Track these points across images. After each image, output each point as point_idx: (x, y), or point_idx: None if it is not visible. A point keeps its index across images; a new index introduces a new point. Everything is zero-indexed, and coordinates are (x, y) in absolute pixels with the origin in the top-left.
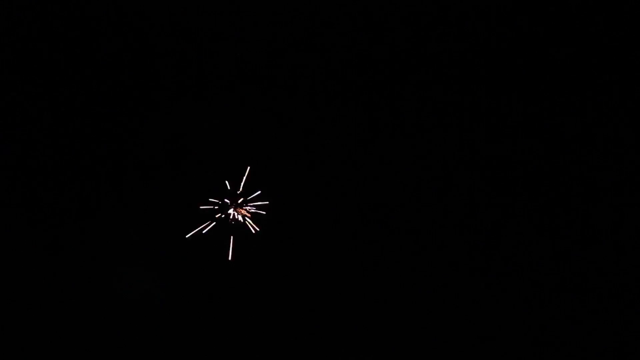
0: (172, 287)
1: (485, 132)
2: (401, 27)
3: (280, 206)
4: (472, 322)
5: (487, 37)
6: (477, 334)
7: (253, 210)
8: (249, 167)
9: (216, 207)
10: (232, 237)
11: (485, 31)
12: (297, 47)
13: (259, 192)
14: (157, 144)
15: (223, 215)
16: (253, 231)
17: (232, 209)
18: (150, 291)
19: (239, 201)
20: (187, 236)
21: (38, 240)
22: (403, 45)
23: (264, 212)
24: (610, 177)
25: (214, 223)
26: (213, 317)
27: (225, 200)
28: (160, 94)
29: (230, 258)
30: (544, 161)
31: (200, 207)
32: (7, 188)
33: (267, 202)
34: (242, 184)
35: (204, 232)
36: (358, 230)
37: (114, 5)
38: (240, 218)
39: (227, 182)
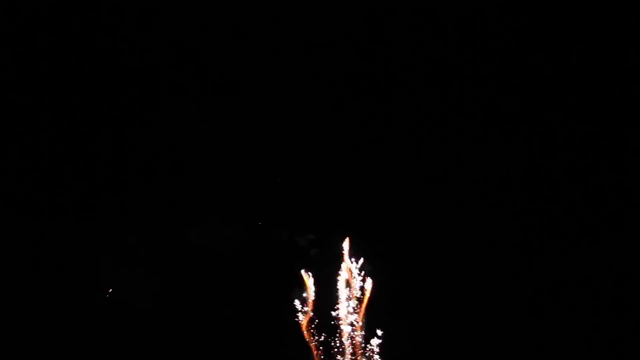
0: (169, 290)
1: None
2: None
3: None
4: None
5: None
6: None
7: None
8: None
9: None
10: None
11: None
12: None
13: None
14: (157, 146)
15: None
16: None
17: None
18: (146, 293)
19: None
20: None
21: (33, 241)
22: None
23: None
24: (611, 177)
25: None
26: (208, 320)
27: None
28: (161, 97)
29: None
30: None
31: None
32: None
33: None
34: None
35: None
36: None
37: (113, 8)
38: None
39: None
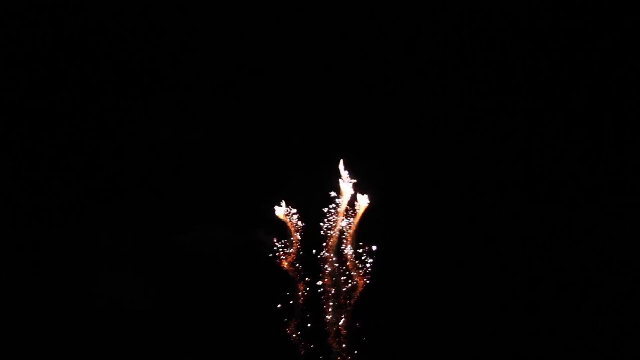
0: (161, 293)
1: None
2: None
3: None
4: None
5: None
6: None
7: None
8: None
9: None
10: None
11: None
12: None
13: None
14: (151, 149)
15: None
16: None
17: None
18: (138, 296)
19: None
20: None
21: (26, 243)
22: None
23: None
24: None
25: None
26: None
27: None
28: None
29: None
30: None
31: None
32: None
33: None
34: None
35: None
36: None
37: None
38: None
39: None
